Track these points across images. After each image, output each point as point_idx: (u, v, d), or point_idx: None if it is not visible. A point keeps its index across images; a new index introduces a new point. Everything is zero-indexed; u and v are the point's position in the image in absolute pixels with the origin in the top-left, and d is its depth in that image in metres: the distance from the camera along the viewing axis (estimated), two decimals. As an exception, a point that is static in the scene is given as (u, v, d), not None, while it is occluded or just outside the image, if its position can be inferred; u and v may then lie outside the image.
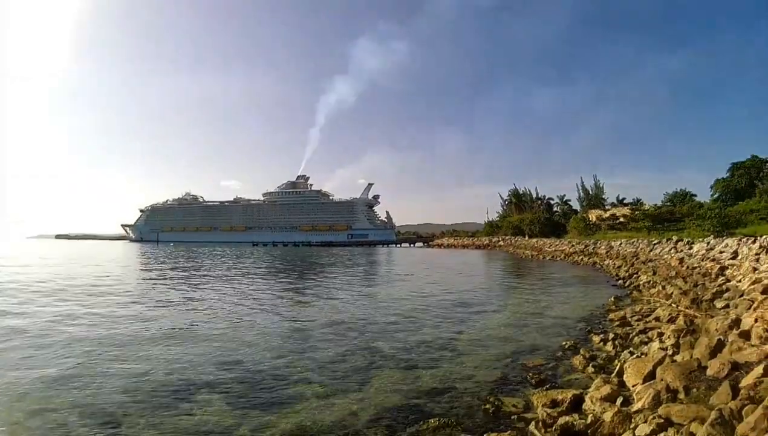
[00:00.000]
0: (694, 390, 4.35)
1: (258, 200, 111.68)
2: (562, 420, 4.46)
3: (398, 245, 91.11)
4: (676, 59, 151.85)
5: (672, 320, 8.63)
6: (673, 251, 24.41)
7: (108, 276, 21.81)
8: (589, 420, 4.40)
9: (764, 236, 18.48)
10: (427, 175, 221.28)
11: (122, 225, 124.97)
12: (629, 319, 10.00)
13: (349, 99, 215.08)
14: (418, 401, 5.61)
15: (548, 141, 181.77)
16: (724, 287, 11.36)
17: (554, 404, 5.04)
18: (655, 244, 29.14)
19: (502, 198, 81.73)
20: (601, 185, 66.61)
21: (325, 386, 6.17)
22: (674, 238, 28.61)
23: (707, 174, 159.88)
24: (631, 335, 8.28)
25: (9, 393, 5.73)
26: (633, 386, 5.18)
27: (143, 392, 5.88)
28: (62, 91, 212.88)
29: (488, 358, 7.57)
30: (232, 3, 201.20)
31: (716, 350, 5.37)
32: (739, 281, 11.59)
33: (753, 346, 5.18)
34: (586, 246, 40.69)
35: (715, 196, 40.48)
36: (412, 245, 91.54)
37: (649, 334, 7.97)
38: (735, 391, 3.94)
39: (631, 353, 6.78)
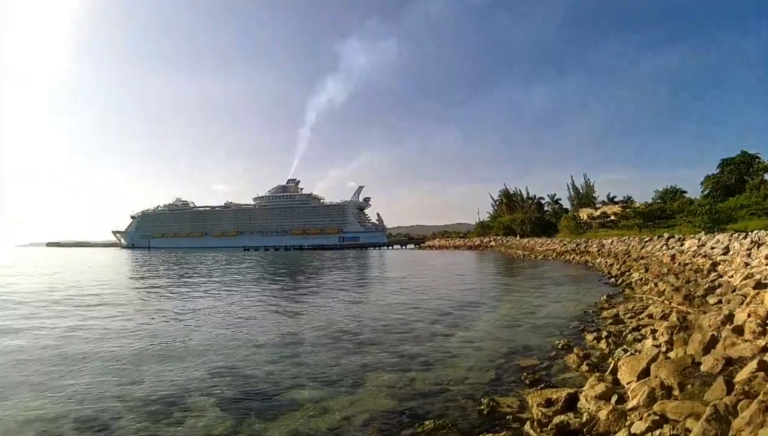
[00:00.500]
0: (689, 386, 4.34)
1: (249, 205, 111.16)
2: (557, 419, 4.42)
3: (390, 247, 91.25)
4: (670, 56, 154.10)
5: (665, 317, 8.65)
6: (664, 247, 24.62)
7: (100, 285, 21.50)
8: (584, 419, 4.37)
9: (755, 231, 18.73)
10: (417, 175, 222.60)
11: (113, 232, 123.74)
12: (622, 316, 10.02)
13: (338, 98, 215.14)
14: (412, 404, 5.54)
15: (540, 139, 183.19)
16: (716, 282, 11.44)
17: (549, 403, 4.99)
18: (646, 241, 29.41)
19: (492, 198, 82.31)
20: (591, 184, 67.30)
21: (319, 390, 6.09)
22: (665, 235, 28.90)
23: (698, 170, 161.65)
24: (624, 333, 8.28)
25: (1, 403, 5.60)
26: (627, 384, 5.16)
27: (136, 399, 5.77)
28: (62, 91, 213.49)
29: (482, 358, 7.53)
30: (223, 3, 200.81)
31: (710, 345, 5.38)
32: (731, 276, 11.67)
33: (746, 341, 5.19)
34: (577, 245, 40.96)
35: (706, 192, 41.03)
36: (403, 247, 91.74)
37: (643, 331, 7.98)
38: (729, 386, 3.93)
39: (625, 351, 6.77)
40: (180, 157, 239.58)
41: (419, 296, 16.27)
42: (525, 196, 74.17)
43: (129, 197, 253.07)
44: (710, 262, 15.41)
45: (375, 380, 6.52)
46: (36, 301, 14.88)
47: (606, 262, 26.80)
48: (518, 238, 61.30)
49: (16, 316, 12.13)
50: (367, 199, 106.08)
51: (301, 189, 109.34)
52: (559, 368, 6.84)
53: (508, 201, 76.26)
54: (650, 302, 11.41)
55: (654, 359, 5.35)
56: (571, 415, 4.55)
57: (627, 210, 47.38)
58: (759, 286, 8.44)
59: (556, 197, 69.88)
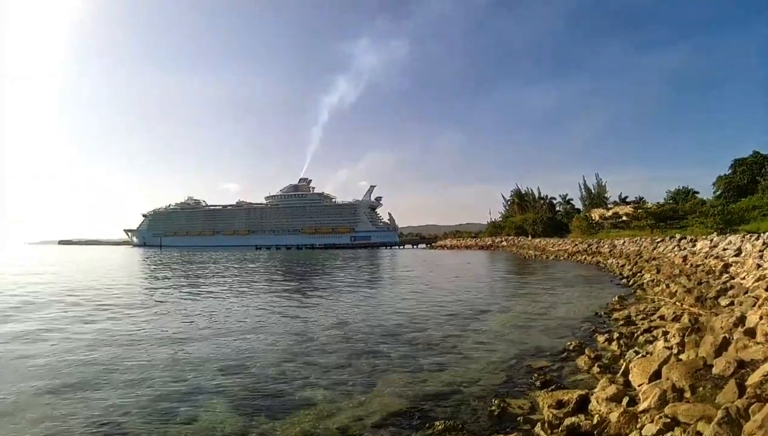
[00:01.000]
0: (700, 389, 4.34)
1: (261, 204, 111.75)
2: (568, 421, 4.46)
3: (401, 247, 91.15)
4: (676, 55, 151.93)
5: (677, 319, 8.61)
6: (676, 248, 24.37)
7: (115, 284, 21.83)
8: (595, 421, 4.40)
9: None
10: (428, 175, 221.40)
11: (125, 230, 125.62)
12: (634, 318, 9.98)
13: (348, 98, 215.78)
14: (423, 405, 5.60)
15: (550, 138, 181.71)
16: (728, 284, 11.34)
17: (560, 405, 5.03)
18: (658, 242, 29.10)
19: (504, 198, 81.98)
20: (603, 184, 66.72)
21: (331, 390, 6.17)
22: (677, 236, 28.56)
23: (710, 171, 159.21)
24: (635, 334, 8.26)
25: (13, 402, 5.75)
26: (639, 386, 5.17)
27: (147, 397, 5.90)
28: (62, 91, 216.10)
29: (493, 360, 7.56)
30: (227, 3, 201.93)
31: (722, 348, 5.36)
32: (744, 278, 11.55)
33: (758, 343, 5.16)
34: (589, 245, 40.67)
35: (718, 193, 40.43)
36: (415, 247, 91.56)
37: (654, 333, 7.95)
38: (741, 389, 3.92)
39: (636, 353, 6.77)
40: (186, 157, 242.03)
41: (431, 296, 16.30)
42: (537, 196, 73.85)
43: (134, 197, 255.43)
44: (722, 263, 15.24)
45: (386, 380, 6.59)
46: (56, 302, 15.17)
47: (618, 263, 26.60)
48: (530, 238, 60.95)
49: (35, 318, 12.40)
50: (378, 199, 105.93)
51: (313, 188, 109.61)
52: (570, 369, 6.86)
53: (520, 201, 75.91)
54: (662, 303, 11.35)
55: (665, 361, 5.34)
56: (582, 417, 4.58)
57: (639, 211, 46.85)
58: (773, 288, 8.37)
59: (567, 197, 69.58)
